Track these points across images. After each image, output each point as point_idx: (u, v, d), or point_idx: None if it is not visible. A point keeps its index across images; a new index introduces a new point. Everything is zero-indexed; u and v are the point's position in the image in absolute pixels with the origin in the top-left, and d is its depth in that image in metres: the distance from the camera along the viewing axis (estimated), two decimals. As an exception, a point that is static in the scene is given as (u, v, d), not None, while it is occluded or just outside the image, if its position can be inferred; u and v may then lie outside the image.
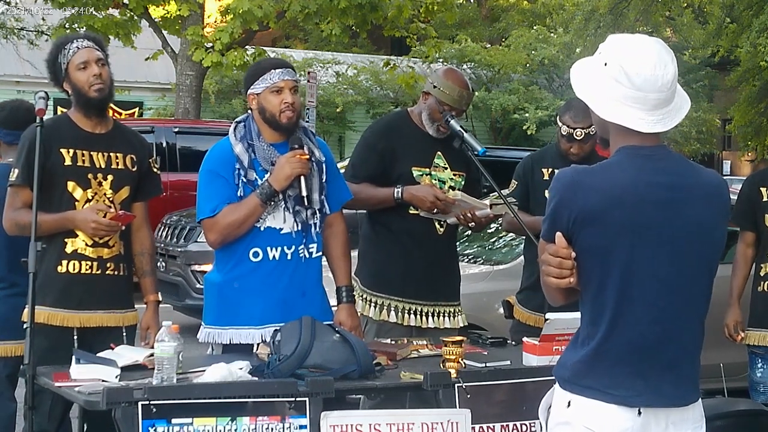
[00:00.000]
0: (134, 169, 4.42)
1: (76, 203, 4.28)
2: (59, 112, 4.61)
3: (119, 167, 4.38)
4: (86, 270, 4.28)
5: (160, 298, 4.56)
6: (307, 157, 4.22)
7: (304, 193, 4.19)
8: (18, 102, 5.16)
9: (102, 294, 4.31)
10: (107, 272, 4.32)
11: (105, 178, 4.34)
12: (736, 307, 5.45)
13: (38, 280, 4.13)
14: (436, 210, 4.77)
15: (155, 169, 4.56)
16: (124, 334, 4.39)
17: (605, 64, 2.75)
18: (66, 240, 4.26)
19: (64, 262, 4.27)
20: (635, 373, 2.73)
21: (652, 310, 2.72)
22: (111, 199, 4.34)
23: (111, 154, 4.37)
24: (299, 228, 4.25)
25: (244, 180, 4.20)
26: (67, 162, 4.28)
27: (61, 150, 4.28)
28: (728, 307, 5.45)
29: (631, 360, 2.73)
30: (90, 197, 4.29)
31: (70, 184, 4.28)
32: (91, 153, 4.32)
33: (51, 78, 4.41)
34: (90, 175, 4.30)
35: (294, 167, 4.17)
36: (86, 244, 4.27)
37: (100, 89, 4.30)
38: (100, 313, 4.31)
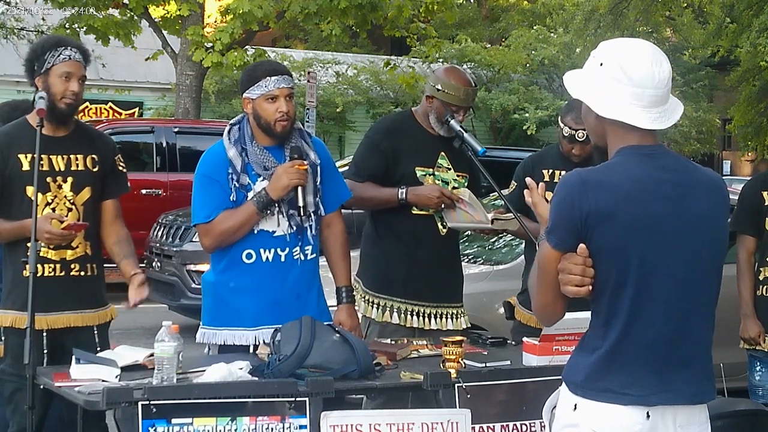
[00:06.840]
0: (95, 170, 4.40)
1: (36, 208, 4.26)
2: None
3: (79, 169, 4.36)
4: (49, 272, 4.29)
5: (143, 274, 4.46)
6: (306, 167, 4.22)
7: (301, 204, 4.19)
8: (20, 101, 5.17)
9: (67, 295, 4.31)
10: (71, 273, 4.33)
11: (65, 181, 4.33)
12: (755, 318, 5.29)
13: (7, 285, 4.20)
14: (443, 206, 4.77)
15: (121, 168, 4.53)
16: (96, 332, 4.39)
17: (601, 65, 2.77)
18: (29, 245, 4.24)
19: (29, 267, 4.27)
20: (650, 371, 2.72)
21: (666, 307, 2.72)
22: (72, 201, 4.34)
23: (71, 156, 4.35)
24: (293, 231, 4.25)
25: (237, 184, 4.20)
26: (25, 167, 4.28)
27: (19, 156, 4.28)
28: (744, 318, 5.31)
29: (646, 359, 2.72)
30: (50, 201, 4.29)
31: (30, 189, 4.26)
32: (51, 156, 4.29)
33: (26, 67, 4.36)
34: (49, 179, 4.28)
35: (292, 178, 4.17)
36: (48, 248, 4.27)
37: (69, 104, 4.30)
38: (67, 313, 4.32)
